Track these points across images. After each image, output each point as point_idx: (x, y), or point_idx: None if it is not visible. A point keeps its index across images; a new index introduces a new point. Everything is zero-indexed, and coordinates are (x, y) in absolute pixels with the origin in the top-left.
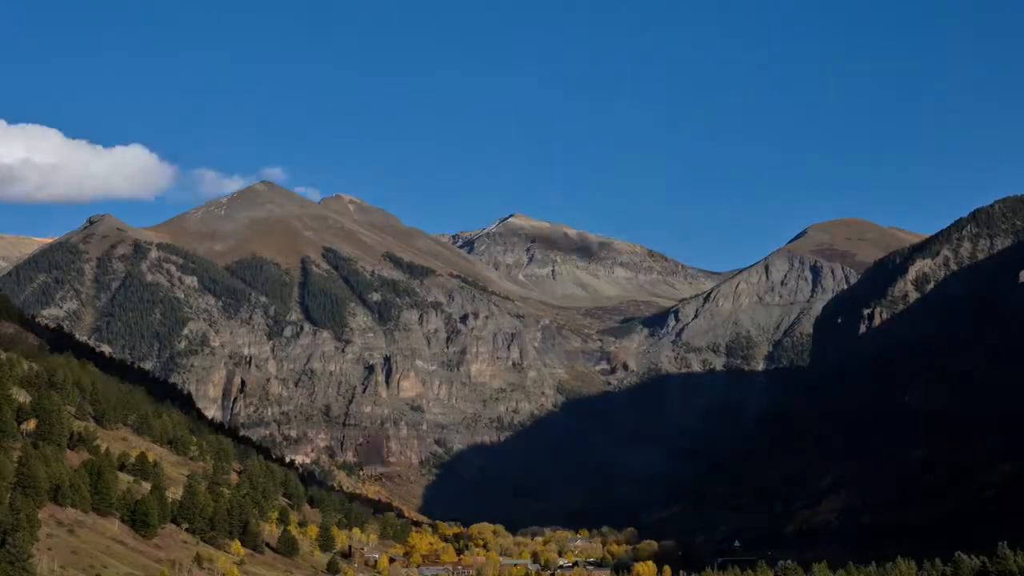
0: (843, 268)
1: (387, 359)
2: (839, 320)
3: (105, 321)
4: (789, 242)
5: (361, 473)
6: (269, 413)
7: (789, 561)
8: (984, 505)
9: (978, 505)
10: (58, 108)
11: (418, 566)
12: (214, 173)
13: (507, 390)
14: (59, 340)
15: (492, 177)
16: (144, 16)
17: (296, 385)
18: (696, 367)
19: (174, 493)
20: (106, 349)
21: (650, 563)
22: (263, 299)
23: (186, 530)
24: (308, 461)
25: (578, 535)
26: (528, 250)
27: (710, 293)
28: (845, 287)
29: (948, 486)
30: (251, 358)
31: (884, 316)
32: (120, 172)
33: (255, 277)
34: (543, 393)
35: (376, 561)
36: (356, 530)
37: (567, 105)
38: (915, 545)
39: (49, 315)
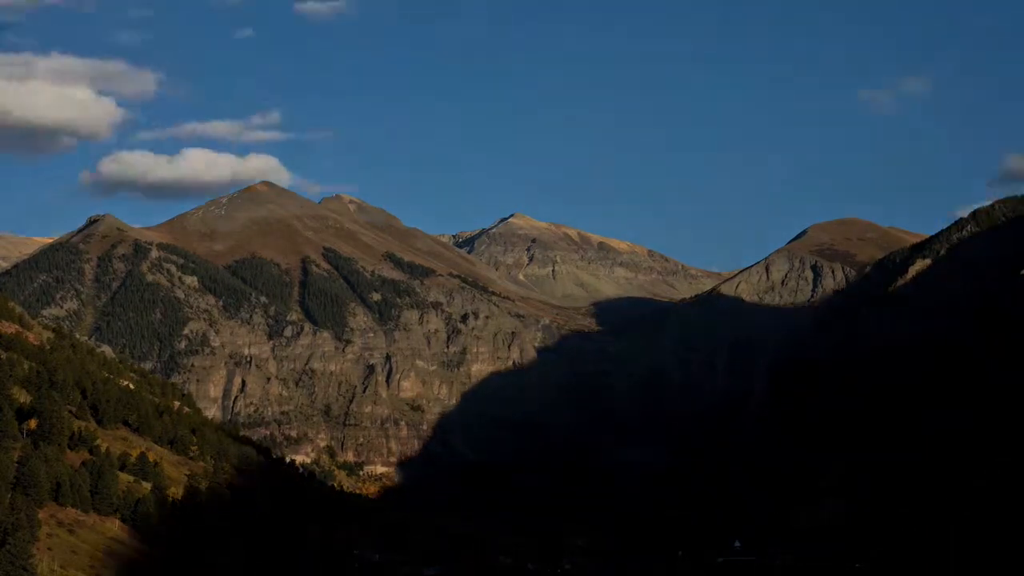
0: (843, 268)
1: (387, 359)
2: (839, 320)
3: (105, 321)
4: (789, 242)
5: (362, 473)
6: (269, 413)
7: (789, 560)
8: (984, 503)
9: (978, 503)
10: None
11: (419, 565)
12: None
13: (507, 390)
14: (59, 340)
15: (492, 177)
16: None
17: (296, 385)
18: (696, 367)
19: (174, 493)
20: (106, 349)
21: None
22: (263, 299)
23: None
24: (308, 461)
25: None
26: (528, 250)
27: (710, 293)
28: (845, 287)
29: (948, 484)
30: (251, 358)
31: (884, 316)
32: None
33: (255, 277)
34: (543, 393)
35: (377, 560)
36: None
37: (567, 105)
38: (916, 543)
39: (49, 315)
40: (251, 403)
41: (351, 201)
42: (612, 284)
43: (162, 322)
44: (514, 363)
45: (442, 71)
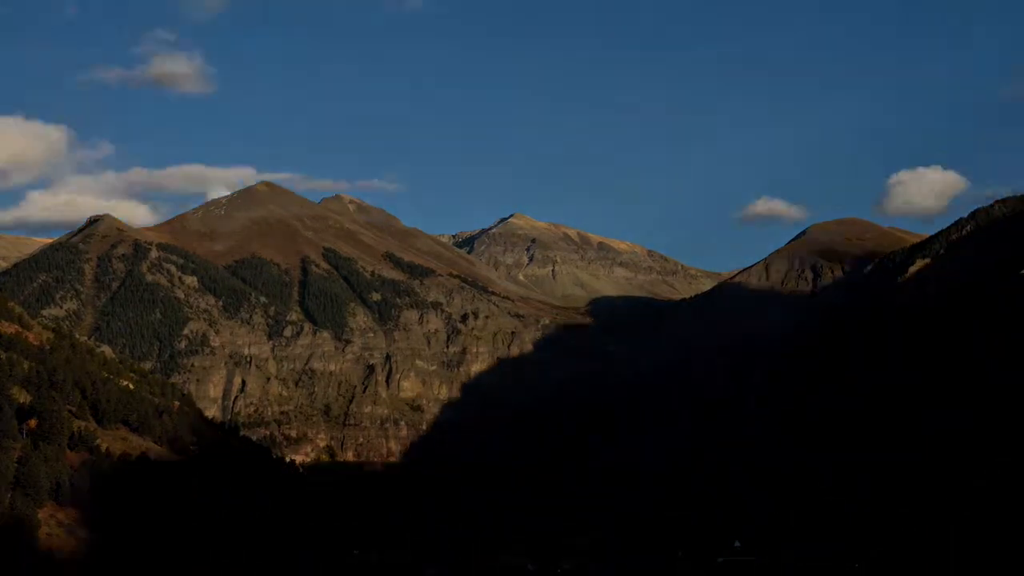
0: (843, 268)
1: (387, 359)
2: (839, 319)
3: (105, 321)
4: (789, 242)
5: (361, 473)
6: (269, 413)
7: (789, 560)
8: (984, 503)
9: (978, 503)
10: None
11: (419, 565)
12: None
13: (507, 390)
14: (59, 340)
15: (492, 177)
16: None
17: (296, 385)
18: (696, 367)
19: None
20: (106, 349)
21: None
22: (263, 299)
23: None
24: (308, 461)
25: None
26: (528, 250)
27: (709, 293)
28: (845, 287)
29: (948, 484)
30: (251, 358)
31: (884, 316)
32: None
33: (255, 277)
34: (543, 393)
35: (377, 560)
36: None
37: (567, 105)
38: (916, 543)
39: (49, 315)
40: (251, 403)
41: (351, 201)
42: (612, 284)
43: (162, 322)
44: (514, 363)
45: (442, 71)
